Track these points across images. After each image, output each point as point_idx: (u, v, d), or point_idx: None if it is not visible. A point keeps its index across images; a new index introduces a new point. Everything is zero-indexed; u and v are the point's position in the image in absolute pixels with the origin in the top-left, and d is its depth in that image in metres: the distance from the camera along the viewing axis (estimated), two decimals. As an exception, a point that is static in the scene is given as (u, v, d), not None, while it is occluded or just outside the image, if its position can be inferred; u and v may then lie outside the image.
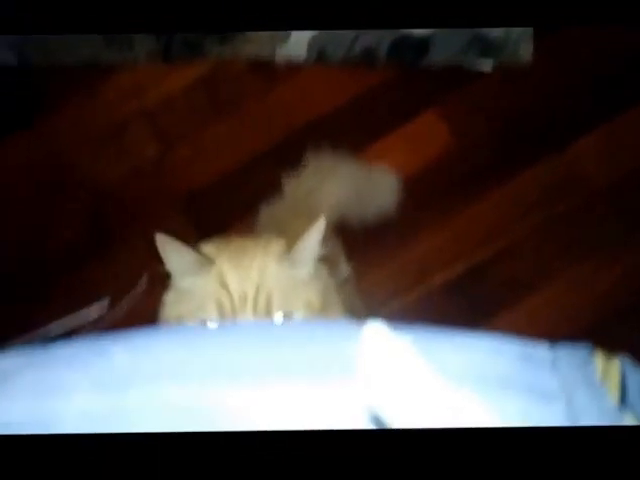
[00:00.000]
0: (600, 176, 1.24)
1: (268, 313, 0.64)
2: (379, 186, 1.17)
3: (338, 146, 1.17)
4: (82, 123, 1.29)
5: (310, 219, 1.04)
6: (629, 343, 0.47)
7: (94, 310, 0.98)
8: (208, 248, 0.70)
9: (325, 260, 0.93)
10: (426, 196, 1.23)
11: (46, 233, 1.27)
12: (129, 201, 1.28)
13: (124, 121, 1.30)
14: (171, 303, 0.69)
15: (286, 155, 1.18)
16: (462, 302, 1.20)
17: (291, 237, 1.01)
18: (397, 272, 1.22)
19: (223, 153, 1.27)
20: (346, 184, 1.12)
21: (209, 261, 0.67)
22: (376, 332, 0.38)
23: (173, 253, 0.66)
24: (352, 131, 1.24)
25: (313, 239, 0.67)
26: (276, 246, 0.69)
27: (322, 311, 0.67)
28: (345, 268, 1.07)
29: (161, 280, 0.71)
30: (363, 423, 0.36)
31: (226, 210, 1.24)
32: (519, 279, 1.20)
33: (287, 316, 0.65)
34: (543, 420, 0.36)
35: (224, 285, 0.64)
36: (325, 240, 0.69)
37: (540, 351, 0.42)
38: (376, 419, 0.35)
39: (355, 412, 0.36)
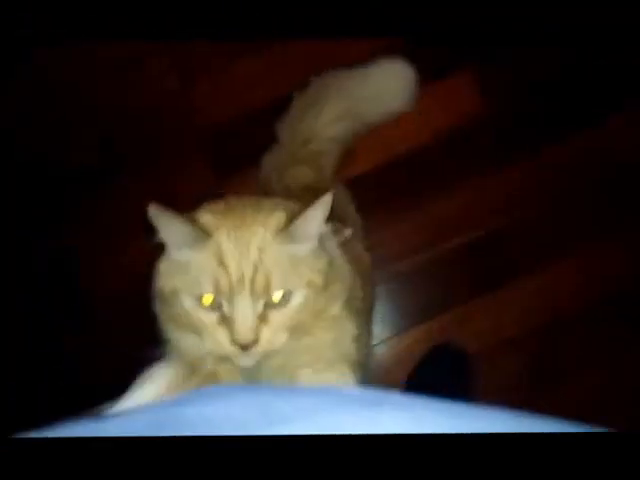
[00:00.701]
0: (630, 152, 1.20)
1: (266, 293, 0.61)
2: (389, 81, 1.11)
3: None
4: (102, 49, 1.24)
5: (310, 164, 1.03)
6: None
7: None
8: (205, 217, 0.65)
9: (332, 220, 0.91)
10: (448, 158, 1.21)
11: (62, 154, 1.26)
12: (145, 132, 1.26)
13: (145, 51, 1.26)
14: (165, 273, 0.66)
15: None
16: (475, 268, 1.19)
17: (293, 197, 0.93)
18: (412, 232, 1.21)
19: (245, 92, 1.24)
20: (342, 107, 1.07)
21: (206, 234, 0.63)
22: None
23: (167, 225, 0.62)
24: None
25: (316, 215, 0.62)
26: (277, 219, 0.64)
27: (324, 289, 0.65)
28: (354, 218, 1.06)
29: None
30: None
31: (245, 150, 1.21)
32: (535, 253, 1.19)
33: (287, 296, 0.63)
34: None
35: (221, 263, 0.61)
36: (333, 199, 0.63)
37: None
38: None
39: None
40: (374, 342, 1.17)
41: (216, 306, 0.63)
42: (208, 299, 0.62)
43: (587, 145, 1.20)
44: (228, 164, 1.24)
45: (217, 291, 0.62)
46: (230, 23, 0.83)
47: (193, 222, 0.63)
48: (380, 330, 1.20)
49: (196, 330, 0.65)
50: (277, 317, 0.63)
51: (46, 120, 1.26)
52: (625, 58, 1.18)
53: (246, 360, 0.63)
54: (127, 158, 1.25)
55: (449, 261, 1.20)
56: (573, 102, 1.21)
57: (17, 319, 1.26)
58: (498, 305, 1.20)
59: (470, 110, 1.20)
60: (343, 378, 0.63)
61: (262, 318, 0.62)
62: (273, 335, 0.63)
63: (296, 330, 0.65)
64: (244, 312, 0.61)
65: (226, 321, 0.62)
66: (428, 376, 1.14)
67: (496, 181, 1.19)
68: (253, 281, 0.61)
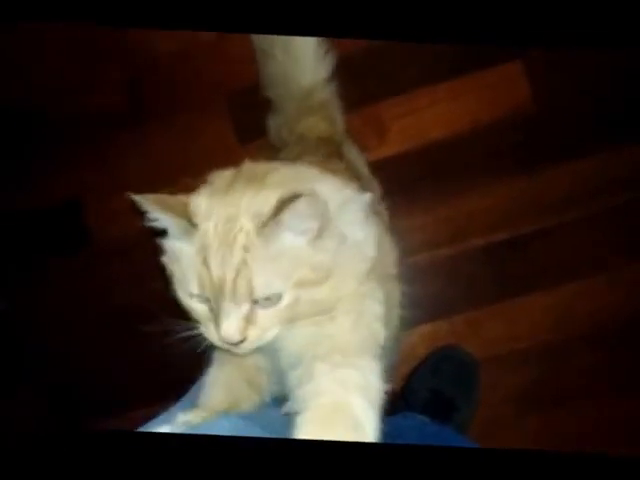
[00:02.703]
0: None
1: (250, 297, 0.58)
2: None
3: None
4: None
5: (320, 114, 0.98)
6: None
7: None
8: (199, 201, 0.61)
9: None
10: (483, 152, 1.14)
11: (86, 90, 1.21)
12: (173, 81, 1.20)
13: None
14: (167, 254, 0.64)
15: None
16: (495, 272, 1.13)
17: (308, 147, 0.94)
18: (436, 224, 1.14)
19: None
20: (310, 43, 1.00)
21: (192, 226, 0.59)
22: None
23: (156, 213, 0.61)
24: (434, 62, 1.13)
25: (303, 209, 0.56)
26: (267, 208, 0.58)
27: (326, 279, 0.60)
28: (368, 179, 1.01)
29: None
30: None
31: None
32: (562, 263, 1.12)
33: (275, 296, 0.58)
34: None
35: (205, 262, 0.58)
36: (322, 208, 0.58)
37: None
38: None
39: None
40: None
41: (205, 300, 0.61)
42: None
43: (628, 158, 1.12)
44: (251, 126, 1.16)
45: (202, 291, 0.60)
46: None
47: (180, 212, 0.60)
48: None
49: (193, 318, 0.63)
50: (265, 317, 0.60)
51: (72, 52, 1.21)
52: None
53: (239, 351, 0.62)
54: (151, 105, 1.20)
55: (469, 261, 1.14)
56: (623, 110, 1.14)
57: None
58: (513, 314, 1.14)
59: (515, 104, 1.13)
60: (362, 372, 0.58)
61: (248, 319, 0.59)
62: (262, 333, 0.60)
63: (317, 315, 0.61)
64: (227, 316, 0.59)
65: (214, 317, 0.60)
66: (429, 378, 1.09)
67: (529, 183, 1.13)
68: (234, 285, 0.57)
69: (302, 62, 1.00)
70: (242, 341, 0.59)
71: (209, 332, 0.62)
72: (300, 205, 0.56)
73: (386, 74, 1.13)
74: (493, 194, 1.13)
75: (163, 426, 0.62)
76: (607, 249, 1.12)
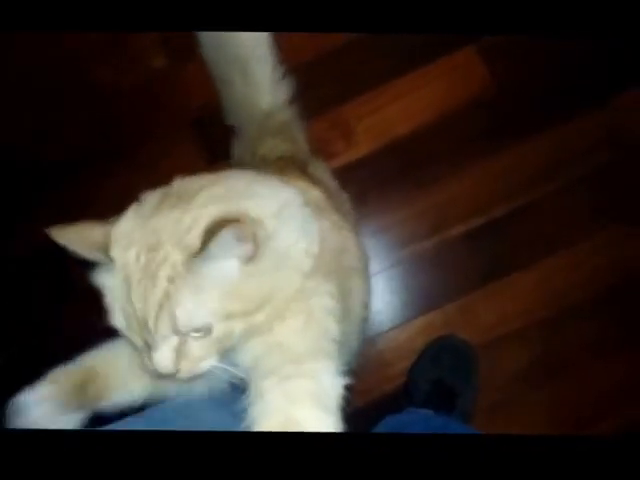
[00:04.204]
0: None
1: (176, 333, 0.56)
2: None
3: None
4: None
5: (282, 136, 0.98)
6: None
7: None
8: (123, 227, 0.58)
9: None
10: (452, 141, 1.15)
11: (54, 135, 1.20)
12: (137, 114, 1.20)
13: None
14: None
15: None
16: (479, 257, 1.14)
17: (270, 167, 0.92)
18: (415, 217, 1.15)
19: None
20: (268, 66, 1.00)
21: (109, 259, 0.57)
22: None
23: (72, 247, 0.58)
24: (390, 58, 1.14)
25: (223, 244, 0.53)
26: (194, 239, 0.55)
27: (263, 306, 0.57)
28: (337, 192, 1.00)
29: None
30: None
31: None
32: (542, 238, 1.13)
33: (204, 331, 0.56)
34: None
35: (129, 299, 0.56)
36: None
37: None
38: None
39: None
40: (372, 334, 1.13)
41: (134, 331, 0.58)
42: None
43: (592, 126, 1.14)
44: (217, 146, 1.15)
45: (129, 324, 0.57)
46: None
47: (96, 245, 0.58)
48: (381, 321, 1.15)
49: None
50: (197, 348, 0.58)
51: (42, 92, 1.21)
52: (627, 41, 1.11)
53: (179, 379, 0.60)
54: (119, 141, 1.20)
55: (452, 250, 1.15)
56: (576, 84, 1.15)
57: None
58: (503, 296, 1.15)
59: (475, 88, 1.14)
60: (314, 378, 0.53)
61: (179, 352, 0.57)
62: (195, 365, 0.58)
63: (257, 335, 0.58)
64: (157, 348, 0.57)
65: (147, 347, 0.58)
66: (428, 370, 1.09)
67: (498, 164, 1.13)
68: (157, 319, 0.55)
69: (260, 85, 0.99)
70: (175, 373, 0.58)
71: (144, 362, 0.59)
72: (227, 233, 0.53)
73: (344, 77, 1.13)
74: (466, 179, 1.14)
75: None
76: (583, 217, 1.13)
